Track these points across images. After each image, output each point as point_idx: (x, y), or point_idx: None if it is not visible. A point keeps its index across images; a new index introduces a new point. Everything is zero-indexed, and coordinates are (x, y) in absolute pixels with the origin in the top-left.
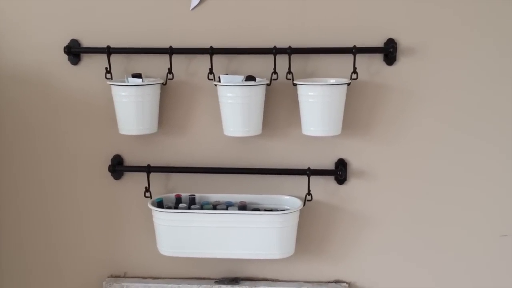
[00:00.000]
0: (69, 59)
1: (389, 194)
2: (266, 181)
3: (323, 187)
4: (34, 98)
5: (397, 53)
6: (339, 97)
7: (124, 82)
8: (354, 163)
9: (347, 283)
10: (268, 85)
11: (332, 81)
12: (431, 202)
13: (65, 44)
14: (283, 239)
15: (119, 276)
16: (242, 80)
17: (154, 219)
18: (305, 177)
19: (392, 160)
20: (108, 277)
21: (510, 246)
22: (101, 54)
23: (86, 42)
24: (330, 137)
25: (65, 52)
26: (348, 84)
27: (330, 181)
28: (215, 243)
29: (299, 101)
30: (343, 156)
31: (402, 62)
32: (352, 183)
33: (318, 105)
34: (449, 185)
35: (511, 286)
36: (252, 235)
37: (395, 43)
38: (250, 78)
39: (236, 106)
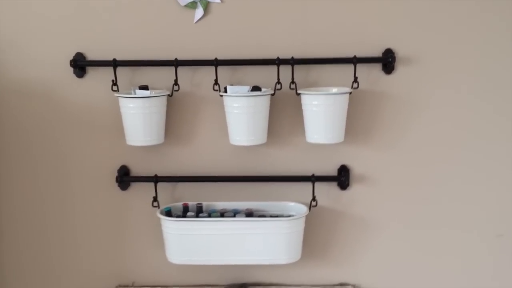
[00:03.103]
0: (74, 72)
1: (390, 198)
2: (272, 188)
3: (326, 193)
4: (40, 111)
5: (395, 63)
6: (341, 106)
7: (131, 94)
8: (356, 168)
9: (352, 285)
10: (272, 95)
11: (334, 90)
12: (433, 206)
13: (71, 57)
14: (290, 245)
15: (127, 286)
16: (248, 91)
17: (163, 228)
18: (310, 184)
19: (392, 165)
20: (116, 286)
21: None
22: (106, 67)
23: (91, 55)
24: (333, 144)
25: (71, 65)
26: (350, 93)
27: (333, 187)
28: (223, 250)
29: (303, 109)
30: (345, 163)
31: (400, 71)
32: (354, 189)
33: (322, 113)
34: (450, 189)
35: None
36: (260, 241)
37: (393, 53)
38: (256, 88)
39: (242, 116)
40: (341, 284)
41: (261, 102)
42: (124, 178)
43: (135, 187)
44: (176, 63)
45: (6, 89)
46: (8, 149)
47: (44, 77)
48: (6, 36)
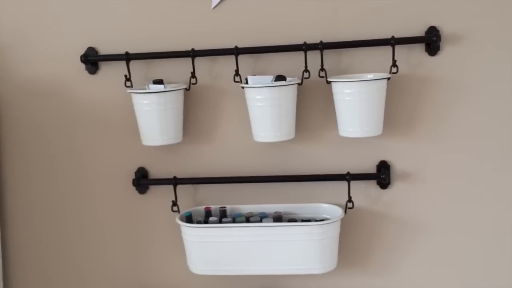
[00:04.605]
0: (86, 68)
1: (438, 197)
2: (302, 189)
3: (364, 192)
4: (51, 110)
5: (440, 42)
6: (378, 94)
7: (145, 89)
8: (397, 165)
9: None
10: (299, 84)
11: (370, 76)
12: (488, 206)
13: (82, 52)
14: (324, 252)
15: None
16: (272, 81)
17: (183, 235)
18: (345, 183)
19: (438, 159)
20: None
21: None
22: (119, 62)
23: (103, 50)
24: (370, 138)
25: (82, 61)
26: (388, 78)
27: (372, 186)
28: (249, 258)
29: (335, 100)
30: (385, 158)
31: (446, 52)
32: (396, 187)
33: (356, 103)
34: (508, 185)
35: None
36: (290, 249)
37: (438, 31)
38: (280, 78)
39: (265, 109)
40: None
41: (287, 93)
42: (142, 181)
43: (154, 190)
44: (193, 54)
45: (15, 87)
46: (18, 149)
47: (55, 74)
48: (15, 32)
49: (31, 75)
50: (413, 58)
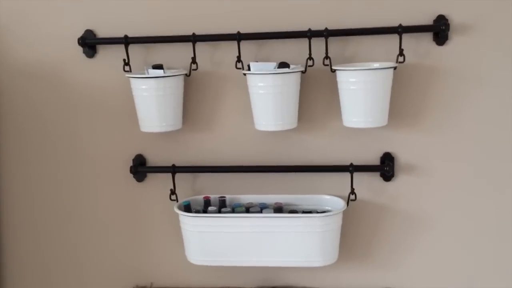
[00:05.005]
0: (84, 52)
1: (443, 190)
2: (304, 180)
3: (367, 184)
4: (47, 94)
5: (449, 31)
6: (384, 83)
7: (144, 74)
8: (402, 157)
9: None
10: (303, 72)
11: (376, 65)
12: (493, 199)
13: (79, 35)
14: (325, 245)
15: (145, 287)
16: (275, 68)
17: (182, 225)
18: (347, 174)
19: (444, 152)
20: (133, 287)
21: None
22: (118, 45)
23: (101, 33)
24: (374, 128)
25: (79, 44)
26: (394, 68)
27: (375, 178)
28: (249, 249)
29: (339, 89)
30: (389, 150)
31: (454, 41)
32: (400, 180)
33: (361, 92)
34: None
35: None
36: (290, 240)
37: (447, 20)
38: (283, 65)
39: (268, 97)
40: None
41: (290, 81)
42: (140, 168)
43: (152, 178)
44: (194, 39)
45: (11, 70)
46: (13, 134)
47: (51, 58)
48: (11, 14)
49: (26, 57)
50: (420, 47)
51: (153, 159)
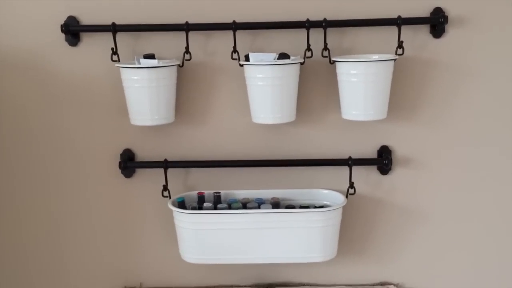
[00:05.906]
0: (66, 40)
1: (440, 184)
2: (301, 174)
3: (364, 178)
4: (28, 85)
5: (446, 24)
6: (385, 76)
7: (133, 64)
8: (399, 150)
9: (394, 285)
10: (301, 63)
11: (375, 57)
12: (490, 193)
13: (62, 22)
14: (325, 240)
15: (134, 287)
16: (275, 59)
17: (176, 222)
18: (344, 168)
19: (441, 145)
20: None
21: None
22: (104, 33)
23: (86, 19)
24: (372, 121)
25: (62, 31)
26: (395, 60)
27: (372, 171)
28: (246, 246)
29: (339, 81)
30: (386, 143)
31: (451, 34)
32: (397, 173)
33: (361, 85)
34: (508, 173)
35: None
36: (288, 236)
37: (444, 12)
38: (283, 56)
39: (266, 89)
40: (382, 284)
41: (290, 73)
42: (129, 163)
43: (141, 174)
44: (187, 27)
45: None
46: None
47: (31, 45)
48: None
49: (3, 45)
50: (417, 40)
51: (142, 154)
